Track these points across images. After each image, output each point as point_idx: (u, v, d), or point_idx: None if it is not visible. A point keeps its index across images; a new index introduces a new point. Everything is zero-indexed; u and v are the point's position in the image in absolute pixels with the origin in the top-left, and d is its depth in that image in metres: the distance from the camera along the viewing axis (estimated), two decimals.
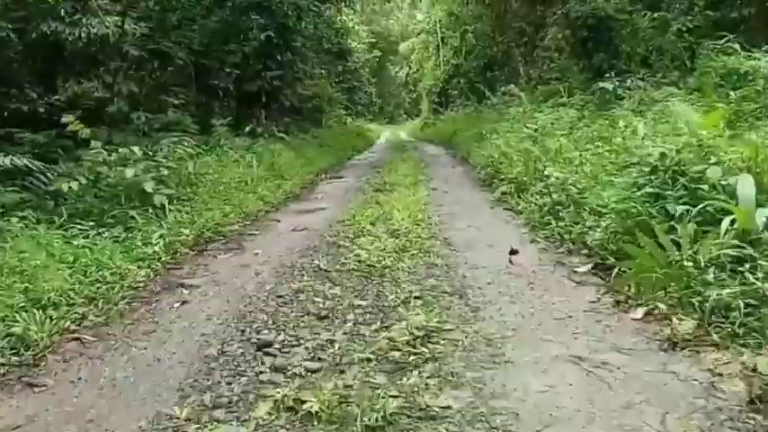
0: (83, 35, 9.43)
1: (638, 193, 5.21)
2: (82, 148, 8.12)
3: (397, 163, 14.85)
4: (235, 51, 15.61)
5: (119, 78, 11.06)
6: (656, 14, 15.36)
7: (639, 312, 4.11)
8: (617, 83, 12.91)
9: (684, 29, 14.18)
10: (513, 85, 19.31)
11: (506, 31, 36.63)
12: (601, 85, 12.94)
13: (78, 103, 10.36)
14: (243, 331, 4.12)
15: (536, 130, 11.24)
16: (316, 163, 14.75)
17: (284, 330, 4.08)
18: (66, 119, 7.92)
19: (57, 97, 10.19)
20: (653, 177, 5.27)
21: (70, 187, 6.60)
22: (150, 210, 6.84)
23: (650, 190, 5.15)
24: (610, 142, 7.71)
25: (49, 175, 7.05)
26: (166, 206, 7.04)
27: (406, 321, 3.98)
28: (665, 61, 14.64)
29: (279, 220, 8.57)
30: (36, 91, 9.66)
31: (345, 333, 3.99)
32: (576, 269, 5.25)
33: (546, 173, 7.81)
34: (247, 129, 14.66)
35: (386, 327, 4.02)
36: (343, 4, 43.97)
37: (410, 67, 57.96)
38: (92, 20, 9.65)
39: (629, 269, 4.54)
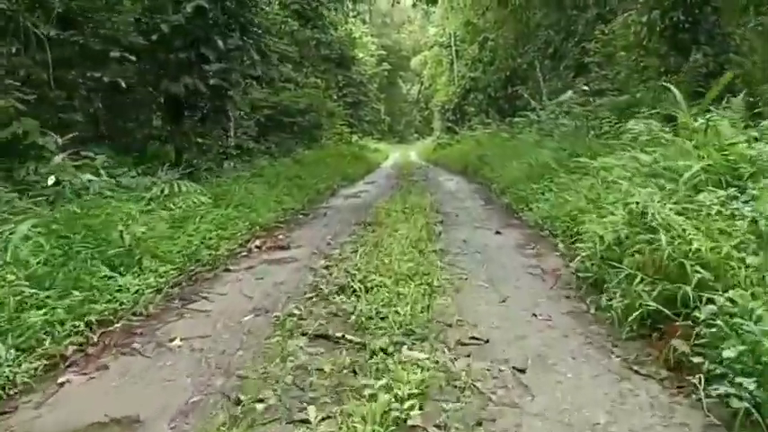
0: None
1: None
2: None
3: (397, 207, 8.11)
4: (147, 29, 9.32)
5: None
6: None
7: None
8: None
9: None
10: (571, 92, 12.77)
11: (531, 41, 30.24)
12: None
13: None
14: None
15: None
16: (263, 211, 8.08)
17: None
18: None
19: None
20: None
21: None
22: None
23: None
24: None
25: None
26: None
27: None
28: None
29: None
30: None
31: None
32: None
33: None
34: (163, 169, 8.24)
35: None
36: (348, 7, 37.95)
37: (422, 84, 51.76)
38: None
39: None
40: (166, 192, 6.59)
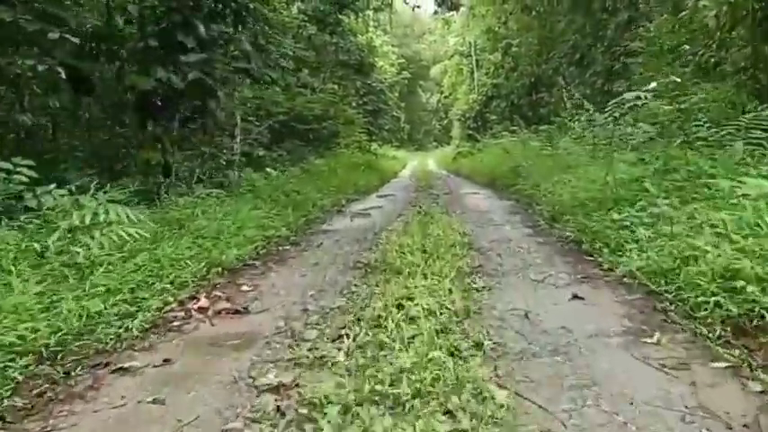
0: None
1: None
2: None
3: (415, 240, 5.65)
4: (108, 9, 7.14)
5: None
6: None
7: None
8: None
9: None
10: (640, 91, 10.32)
11: (556, 47, 27.86)
12: None
13: None
14: None
15: None
16: (234, 242, 5.71)
17: None
18: None
19: None
20: None
21: None
22: None
23: None
24: None
25: None
26: None
27: None
28: None
29: None
30: None
31: None
32: None
33: None
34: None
35: None
36: (369, 16, 35.84)
37: (442, 92, 49.48)
38: None
39: None
40: (87, 221, 4.41)
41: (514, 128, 23.39)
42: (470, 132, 33.23)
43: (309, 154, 18.87)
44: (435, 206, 10.08)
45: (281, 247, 6.44)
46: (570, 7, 26.46)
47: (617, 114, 8.86)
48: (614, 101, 9.14)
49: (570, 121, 14.14)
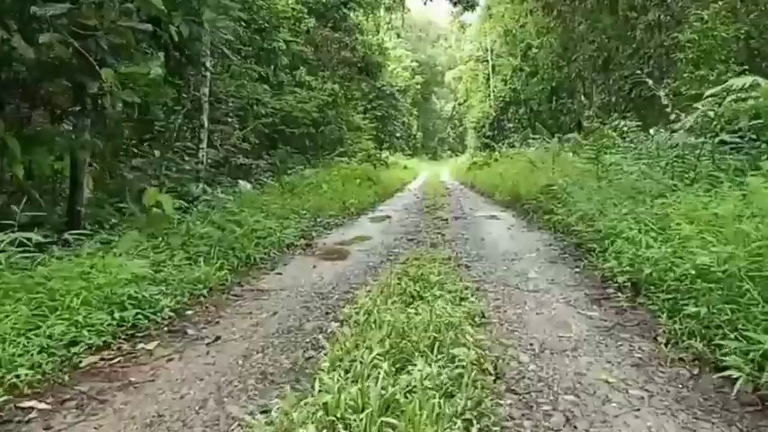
0: None
1: None
2: None
3: (385, 331, 2.69)
4: None
5: None
6: None
7: None
8: None
9: None
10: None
11: (580, 48, 24.48)
12: None
13: None
14: None
15: None
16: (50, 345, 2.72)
17: None
18: None
19: None
20: None
21: None
22: None
23: None
24: None
25: None
26: None
27: None
28: None
29: None
30: None
31: None
32: None
33: None
34: None
35: None
36: (381, 17, 32.58)
37: (456, 99, 46.15)
38: None
39: None
40: None
41: (535, 136, 20.05)
42: (486, 141, 29.85)
43: (301, 163, 15.69)
44: (440, 239, 6.82)
45: (134, 356, 3.15)
46: (594, 6, 23.17)
47: (711, 119, 5.51)
48: (709, 97, 5.81)
49: (611, 130, 10.76)
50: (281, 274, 5.34)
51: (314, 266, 5.64)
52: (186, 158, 10.70)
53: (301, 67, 18.20)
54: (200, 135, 10.96)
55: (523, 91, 27.45)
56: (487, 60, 38.39)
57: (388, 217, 10.05)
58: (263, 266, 5.63)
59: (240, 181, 11.68)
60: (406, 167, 30.94)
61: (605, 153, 8.36)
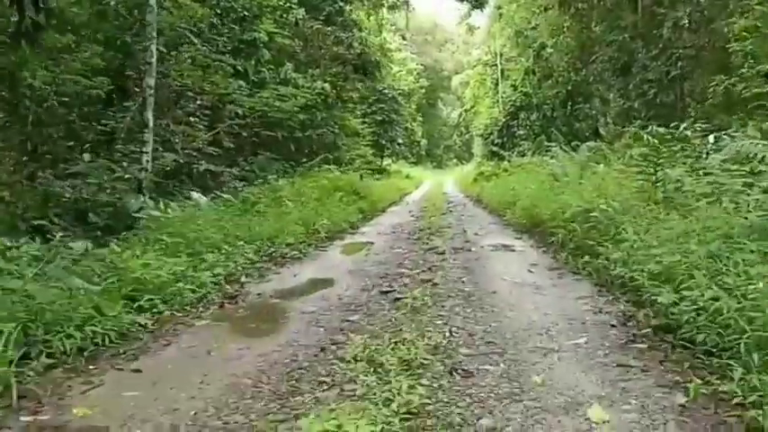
0: None
1: None
2: None
3: None
4: None
5: None
6: None
7: None
8: None
9: None
10: None
11: (598, 48, 22.02)
12: None
13: None
14: None
15: None
16: None
17: None
18: None
19: None
20: None
21: None
22: None
23: None
24: None
25: None
26: None
27: None
28: None
29: None
30: None
31: None
32: None
33: None
34: None
35: None
36: (383, 16, 30.22)
37: (463, 105, 43.68)
38: None
39: None
40: None
41: (551, 144, 17.59)
42: (494, 149, 27.36)
43: (282, 171, 13.31)
44: (428, 292, 4.42)
45: None
46: (615, 2, 20.78)
47: None
48: None
49: (650, 135, 8.29)
50: (115, 392, 2.88)
51: (209, 352, 3.21)
52: (125, 165, 8.38)
53: (288, 63, 15.85)
54: (144, 136, 8.62)
55: (536, 95, 24.98)
56: (496, 64, 35.97)
57: (370, 244, 7.65)
58: (95, 367, 3.19)
59: (194, 193, 9.36)
60: (408, 176, 28.52)
61: (664, 167, 5.92)
